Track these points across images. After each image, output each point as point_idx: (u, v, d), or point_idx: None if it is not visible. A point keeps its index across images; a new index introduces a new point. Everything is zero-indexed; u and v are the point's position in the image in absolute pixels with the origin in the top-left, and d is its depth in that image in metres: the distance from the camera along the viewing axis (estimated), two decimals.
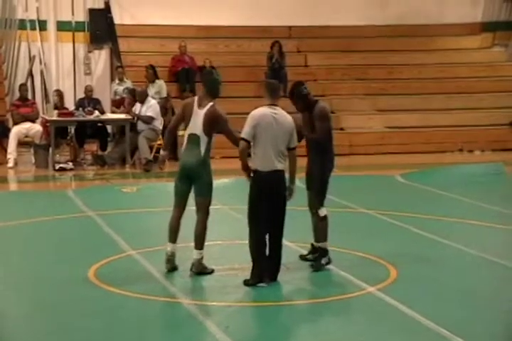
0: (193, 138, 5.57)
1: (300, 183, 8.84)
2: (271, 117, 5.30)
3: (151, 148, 11.12)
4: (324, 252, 5.78)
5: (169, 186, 9.72)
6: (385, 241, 6.70)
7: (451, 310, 4.93)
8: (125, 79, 12.20)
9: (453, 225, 7.38)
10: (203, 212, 5.60)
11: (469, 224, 7.39)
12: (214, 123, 5.51)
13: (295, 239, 6.45)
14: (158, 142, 11.29)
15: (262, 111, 5.33)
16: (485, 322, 4.71)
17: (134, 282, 5.52)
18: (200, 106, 5.56)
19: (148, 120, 11.08)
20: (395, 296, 5.12)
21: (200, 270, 5.58)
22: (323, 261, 5.76)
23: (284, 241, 5.89)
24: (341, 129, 12.57)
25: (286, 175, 5.44)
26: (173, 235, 5.65)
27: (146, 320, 4.79)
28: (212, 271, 5.62)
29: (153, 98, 11.45)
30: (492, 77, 13.65)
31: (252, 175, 5.36)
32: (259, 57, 13.12)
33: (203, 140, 5.53)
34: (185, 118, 5.60)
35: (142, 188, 9.50)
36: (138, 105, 11.22)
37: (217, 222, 7.60)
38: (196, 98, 5.66)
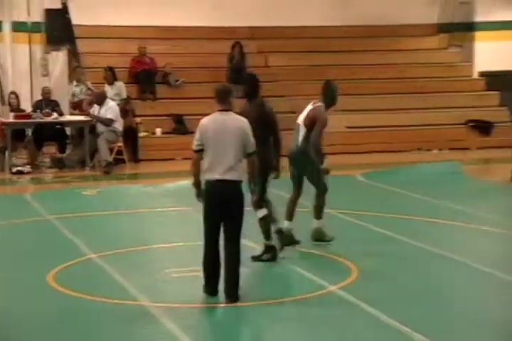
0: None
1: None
2: (220, 124, 5.07)
3: (111, 150, 11.01)
4: (269, 249, 5.97)
5: (131, 188, 9.70)
6: (346, 240, 6.73)
7: (411, 307, 4.99)
8: (83, 80, 12.02)
9: (413, 223, 7.46)
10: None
11: (429, 222, 7.48)
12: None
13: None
14: (119, 144, 11.18)
15: (211, 118, 5.14)
16: (444, 320, 4.76)
17: (95, 285, 5.45)
18: None
19: (108, 122, 10.97)
20: (356, 295, 5.15)
21: (319, 237, 6.46)
22: (265, 256, 6.00)
23: (249, 243, 5.90)
24: None
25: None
26: (289, 214, 6.44)
27: (108, 323, 4.74)
28: (331, 239, 6.44)
29: (112, 100, 11.34)
30: (449, 77, 13.87)
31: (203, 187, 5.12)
32: (221, 59, 13.08)
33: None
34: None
35: (103, 191, 9.39)
36: (96, 107, 11.10)
37: (181, 223, 7.56)
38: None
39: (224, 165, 5.03)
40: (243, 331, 4.78)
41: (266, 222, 5.97)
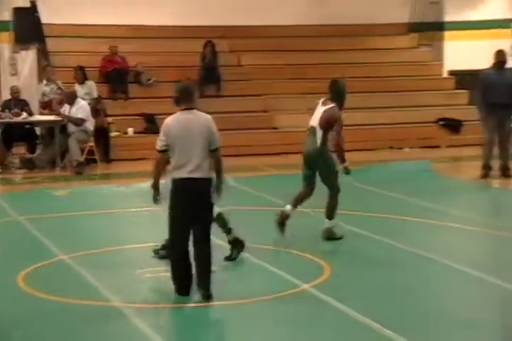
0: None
1: (234, 183, 8.78)
2: (184, 123, 5.07)
3: (82, 150, 10.90)
4: (234, 243, 6.00)
5: (103, 189, 9.62)
6: (317, 238, 6.76)
7: (384, 305, 5.02)
8: (54, 80, 11.88)
9: (386, 221, 7.50)
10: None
11: (402, 220, 7.53)
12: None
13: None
14: (90, 144, 11.08)
15: (175, 118, 5.13)
16: (417, 317, 4.81)
17: (66, 287, 5.40)
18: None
19: (79, 122, 10.86)
20: (330, 293, 5.18)
21: (329, 236, 6.62)
22: (235, 254, 6.01)
23: (218, 241, 5.89)
24: (274, 128, 12.65)
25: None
26: (296, 201, 6.64)
27: (79, 324, 4.69)
28: (341, 237, 6.58)
29: (83, 99, 11.23)
30: (419, 76, 14.01)
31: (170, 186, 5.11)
32: (193, 58, 13.04)
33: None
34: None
35: (75, 191, 9.30)
36: (67, 106, 10.99)
37: (154, 223, 7.51)
38: None
39: (192, 163, 5.02)
40: (216, 331, 4.77)
41: (220, 218, 5.93)
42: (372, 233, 6.89)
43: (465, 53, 14.07)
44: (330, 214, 6.67)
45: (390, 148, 12.49)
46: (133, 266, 5.93)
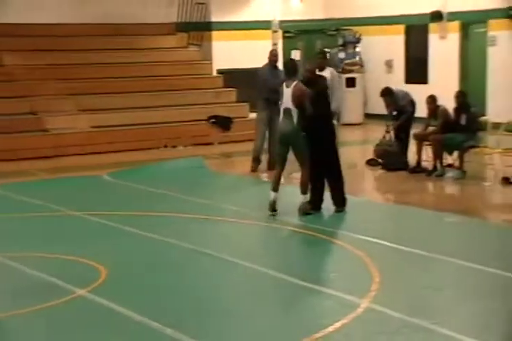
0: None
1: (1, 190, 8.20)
2: None
3: None
4: None
5: None
6: (95, 242, 6.65)
7: (163, 303, 5.07)
8: None
9: (164, 220, 7.55)
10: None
11: (178, 217, 7.63)
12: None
13: None
14: None
15: None
16: (197, 312, 4.93)
17: None
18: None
19: None
20: (106, 296, 5.11)
21: (304, 209, 7.37)
22: None
23: None
24: (45, 131, 12.14)
25: None
26: (276, 186, 7.43)
27: None
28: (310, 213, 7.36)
29: None
30: (190, 75, 14.34)
31: None
32: None
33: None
34: None
35: None
36: None
37: None
38: None
39: None
40: None
41: None
42: (149, 232, 6.91)
43: (231, 53, 14.73)
44: (303, 189, 7.36)
45: (165, 146, 12.64)
46: None
